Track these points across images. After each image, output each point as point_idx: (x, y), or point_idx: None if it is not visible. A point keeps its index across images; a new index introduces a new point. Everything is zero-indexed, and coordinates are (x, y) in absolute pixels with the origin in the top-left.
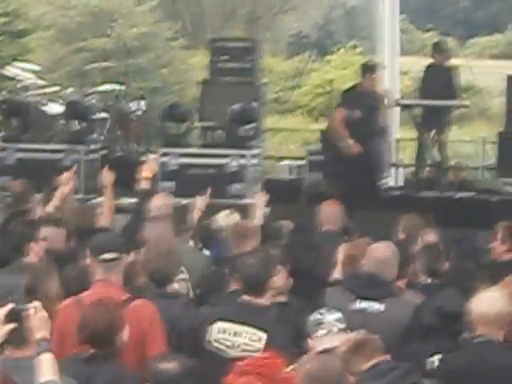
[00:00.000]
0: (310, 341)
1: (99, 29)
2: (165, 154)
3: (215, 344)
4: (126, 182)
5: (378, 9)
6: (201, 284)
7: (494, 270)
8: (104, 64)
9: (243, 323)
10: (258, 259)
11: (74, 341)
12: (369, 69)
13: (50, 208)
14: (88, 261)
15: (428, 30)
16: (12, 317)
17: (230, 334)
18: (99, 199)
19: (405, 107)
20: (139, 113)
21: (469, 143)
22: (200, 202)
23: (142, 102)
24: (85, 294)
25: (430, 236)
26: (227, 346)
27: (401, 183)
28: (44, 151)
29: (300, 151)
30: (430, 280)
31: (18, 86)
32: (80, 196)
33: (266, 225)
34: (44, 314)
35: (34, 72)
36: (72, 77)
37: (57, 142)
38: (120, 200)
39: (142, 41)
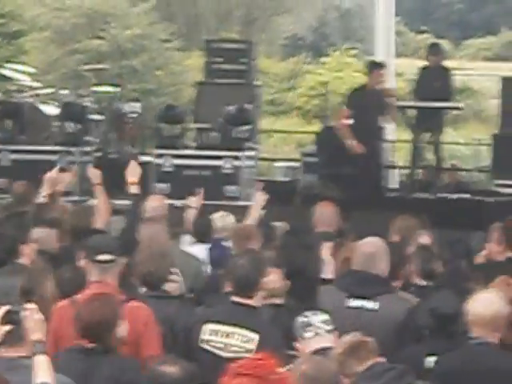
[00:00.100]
0: (297, 343)
1: (94, 30)
2: (160, 156)
3: (207, 346)
4: (120, 183)
5: (372, 11)
6: (194, 286)
7: (489, 270)
8: (99, 66)
9: (234, 324)
10: (249, 260)
11: (69, 342)
12: (375, 65)
13: (42, 198)
14: (83, 262)
15: (422, 32)
16: (8, 318)
17: (221, 336)
18: (94, 201)
19: (399, 109)
20: (134, 115)
21: (463, 145)
22: (194, 203)
23: (137, 104)
24: (80, 295)
25: (424, 238)
26: (219, 348)
27: (395, 185)
28: (39, 152)
29: (295, 153)
30: (424, 282)
31: (13, 87)
32: (75, 198)
33: (259, 226)
34: (39, 315)
35: (29, 74)
36: (67, 78)
37: (52, 143)
38: (115, 202)
39: (137, 42)
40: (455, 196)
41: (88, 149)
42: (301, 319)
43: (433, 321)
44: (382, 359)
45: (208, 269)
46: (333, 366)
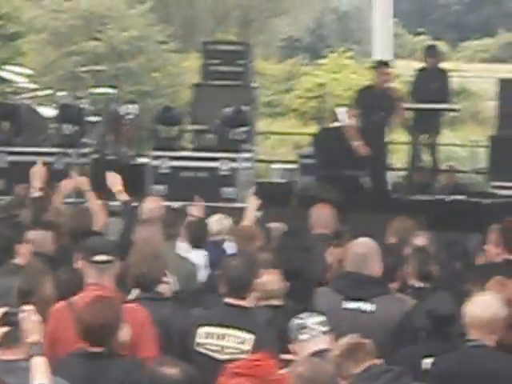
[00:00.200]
0: (292, 345)
1: (91, 32)
2: (157, 158)
3: (203, 349)
4: None
5: (370, 13)
6: (186, 288)
7: (486, 272)
8: (96, 67)
9: (227, 326)
10: (242, 261)
11: (66, 344)
12: (381, 64)
13: (36, 193)
14: (80, 263)
15: (419, 34)
16: (5, 320)
17: (215, 338)
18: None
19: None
20: (131, 116)
21: (460, 147)
22: (196, 211)
23: (134, 106)
24: (77, 297)
25: (420, 239)
26: (214, 351)
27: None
28: (36, 154)
29: (292, 155)
30: (421, 283)
31: (10, 89)
32: (72, 200)
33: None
34: (37, 317)
35: (26, 76)
36: (64, 80)
37: (49, 145)
38: (112, 203)
39: (134, 44)
40: (452, 198)
41: (85, 151)
42: (296, 321)
43: (429, 322)
44: (379, 361)
45: (205, 272)
46: (329, 367)
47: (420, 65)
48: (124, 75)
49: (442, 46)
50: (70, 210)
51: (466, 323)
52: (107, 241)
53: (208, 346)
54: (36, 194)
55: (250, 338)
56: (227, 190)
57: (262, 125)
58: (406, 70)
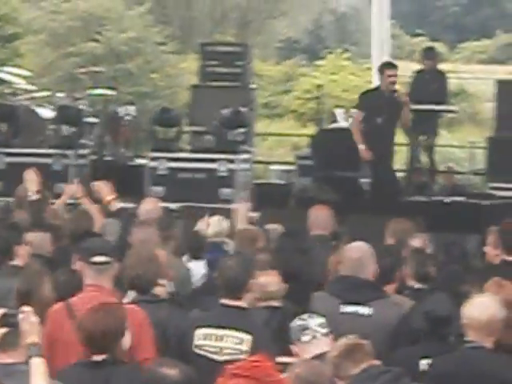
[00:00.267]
0: (294, 347)
1: (89, 33)
2: (155, 159)
3: (201, 351)
4: (115, 186)
5: (368, 14)
6: (179, 291)
7: (484, 273)
8: (94, 68)
9: (225, 327)
10: (237, 261)
11: (63, 345)
12: (386, 65)
13: (33, 196)
14: (78, 265)
15: (418, 35)
16: (4, 321)
17: (213, 340)
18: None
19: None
20: (129, 118)
21: (458, 148)
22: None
23: (132, 107)
24: (75, 298)
25: (416, 241)
26: (212, 352)
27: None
28: (34, 156)
29: (290, 156)
30: (419, 285)
31: (8, 90)
32: (69, 201)
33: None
34: (35, 318)
35: (24, 77)
36: (62, 81)
37: (47, 146)
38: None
39: (132, 45)
40: (450, 199)
41: (83, 152)
42: (298, 322)
43: (427, 323)
44: (377, 362)
45: (202, 278)
46: (327, 369)
47: (418, 66)
48: (122, 76)
49: (440, 47)
50: (70, 212)
51: (464, 324)
52: (105, 242)
53: (206, 348)
54: (34, 196)
55: (247, 338)
56: (225, 192)
57: (260, 126)
58: (404, 71)
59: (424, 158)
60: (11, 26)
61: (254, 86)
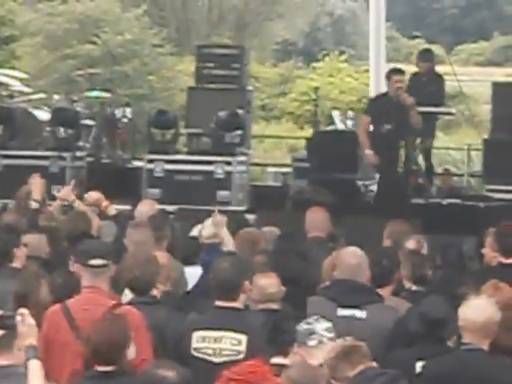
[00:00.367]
0: (300, 350)
1: (86, 36)
2: (151, 161)
3: (199, 354)
4: (111, 188)
5: (365, 17)
6: (173, 291)
7: (481, 275)
8: (90, 71)
9: (221, 329)
10: (231, 263)
11: (59, 346)
12: (393, 71)
13: (34, 204)
14: (75, 267)
15: (414, 38)
16: (0, 323)
17: (209, 342)
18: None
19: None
20: (125, 120)
21: (455, 150)
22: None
23: (128, 109)
24: (72, 300)
25: (411, 242)
26: (209, 354)
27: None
28: (31, 158)
29: (287, 158)
30: (416, 287)
31: (5, 93)
32: (66, 203)
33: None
34: (31, 321)
35: (20, 79)
36: (59, 83)
37: (44, 148)
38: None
39: (129, 48)
40: (447, 201)
41: (80, 154)
42: (304, 326)
43: (422, 326)
44: (374, 364)
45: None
46: (320, 371)
47: (415, 68)
48: (119, 79)
49: (437, 49)
50: (67, 214)
51: (460, 327)
52: (102, 244)
53: (204, 350)
54: (34, 205)
55: (244, 338)
56: (222, 194)
57: (256, 128)
58: None
59: (421, 161)
60: (8, 29)
61: (250, 88)
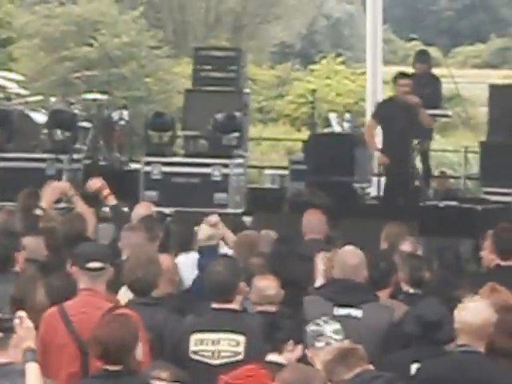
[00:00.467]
0: (308, 351)
1: (83, 38)
2: (148, 163)
3: (197, 357)
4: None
5: (362, 19)
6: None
7: (478, 278)
8: (88, 73)
9: (220, 330)
10: (225, 265)
11: (56, 349)
12: (400, 76)
13: (38, 211)
14: (72, 270)
15: (411, 40)
16: None
17: (207, 344)
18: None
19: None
20: (122, 122)
21: (452, 152)
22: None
23: (125, 112)
24: (69, 302)
25: (407, 245)
26: (208, 357)
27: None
28: (28, 160)
29: (283, 160)
30: (413, 289)
31: (1, 95)
32: (63, 205)
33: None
34: (29, 323)
35: (17, 81)
36: (56, 86)
37: (41, 151)
38: (103, 209)
39: (126, 50)
40: (444, 203)
41: (77, 156)
42: (313, 328)
43: (418, 328)
44: (370, 367)
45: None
46: (314, 374)
47: (412, 71)
48: (116, 81)
49: (433, 51)
50: (63, 216)
51: (456, 329)
52: (100, 247)
53: (203, 353)
54: (38, 211)
55: (243, 339)
56: (219, 196)
57: (253, 131)
58: None
59: (418, 163)
60: (5, 31)
61: (247, 90)
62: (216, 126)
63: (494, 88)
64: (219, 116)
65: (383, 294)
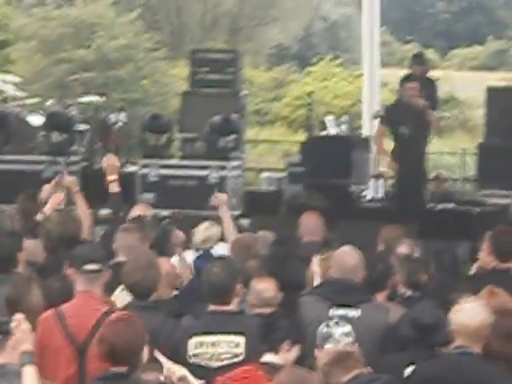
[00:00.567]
0: (317, 353)
1: (80, 40)
2: (145, 166)
3: (196, 360)
4: (105, 193)
5: (358, 21)
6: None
7: (475, 280)
8: (85, 75)
9: (217, 332)
10: (222, 267)
11: (53, 351)
12: (405, 79)
13: (39, 216)
14: (69, 272)
15: (408, 42)
16: None
17: (207, 347)
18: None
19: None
20: (119, 124)
21: (449, 154)
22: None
23: (122, 114)
24: (65, 305)
25: (404, 247)
26: (208, 359)
27: (381, 195)
28: (25, 163)
29: (280, 163)
30: (410, 292)
31: None
32: (60, 207)
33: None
34: (27, 326)
35: (14, 84)
36: (53, 88)
37: (37, 153)
38: (100, 211)
39: (123, 52)
40: (441, 206)
41: (74, 159)
42: (324, 329)
43: (413, 331)
44: (367, 369)
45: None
46: (310, 377)
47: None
48: (113, 83)
49: (430, 54)
50: (58, 217)
51: (452, 331)
52: (97, 249)
53: (202, 356)
54: (39, 216)
55: (242, 340)
56: None
57: (250, 133)
58: (394, 78)
59: None
60: (2, 33)
61: (244, 92)
62: (213, 128)
63: (491, 90)
64: (216, 118)
65: (380, 297)
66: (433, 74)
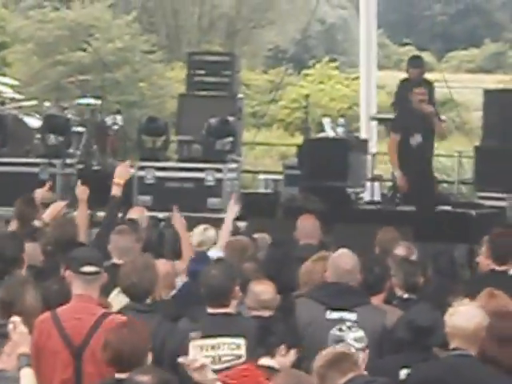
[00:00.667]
0: None
1: (77, 43)
2: (142, 168)
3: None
4: (102, 196)
5: (355, 24)
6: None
7: (473, 283)
8: (81, 78)
9: (218, 335)
10: (220, 270)
11: (49, 354)
12: (414, 84)
13: (37, 223)
14: (66, 274)
15: (405, 45)
16: None
17: (207, 350)
18: (74, 213)
19: (381, 121)
20: (116, 127)
21: (446, 157)
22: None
23: (119, 116)
24: (62, 308)
25: (401, 249)
26: (210, 362)
27: (378, 197)
28: (21, 165)
29: (277, 165)
30: (407, 294)
31: None
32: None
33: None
34: (23, 329)
35: (11, 86)
36: (49, 90)
37: (34, 155)
38: (97, 214)
39: (120, 54)
40: (439, 208)
41: (70, 161)
42: (336, 333)
43: (409, 333)
44: (363, 372)
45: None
46: (307, 379)
47: (405, 75)
48: (110, 85)
49: (427, 56)
50: (54, 220)
51: (448, 333)
52: (94, 252)
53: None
54: (37, 223)
55: (242, 342)
56: (213, 201)
57: (247, 135)
58: (391, 81)
59: None
60: None
61: (241, 95)
62: (209, 130)
63: (488, 93)
64: (213, 121)
65: (377, 299)
66: (429, 76)
